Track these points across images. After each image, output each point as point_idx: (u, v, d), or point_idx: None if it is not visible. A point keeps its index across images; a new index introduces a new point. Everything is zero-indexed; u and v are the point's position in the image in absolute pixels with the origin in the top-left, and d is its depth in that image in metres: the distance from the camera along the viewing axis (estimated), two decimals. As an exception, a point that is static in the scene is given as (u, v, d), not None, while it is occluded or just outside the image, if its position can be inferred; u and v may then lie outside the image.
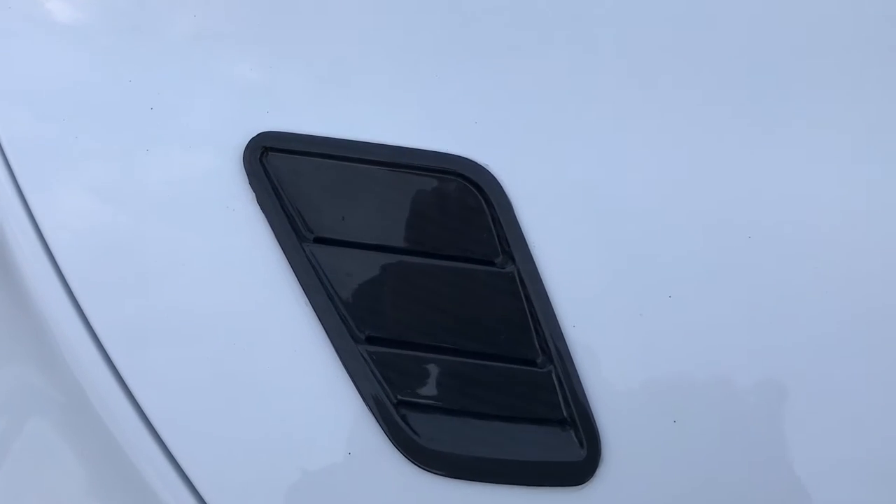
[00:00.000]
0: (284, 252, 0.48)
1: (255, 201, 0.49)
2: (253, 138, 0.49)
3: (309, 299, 0.47)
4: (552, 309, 0.45)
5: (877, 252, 0.47)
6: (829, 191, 0.48)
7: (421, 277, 0.47)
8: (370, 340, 0.46)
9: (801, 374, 0.46)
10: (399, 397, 0.45)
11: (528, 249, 0.46)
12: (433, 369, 0.46)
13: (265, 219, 0.49)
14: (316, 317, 0.47)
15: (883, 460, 0.45)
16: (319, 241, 0.48)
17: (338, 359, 0.46)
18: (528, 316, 0.45)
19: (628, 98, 0.48)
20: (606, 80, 0.49)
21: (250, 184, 0.49)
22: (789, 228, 0.47)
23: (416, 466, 0.44)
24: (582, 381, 0.44)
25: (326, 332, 0.47)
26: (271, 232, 0.48)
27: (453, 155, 0.47)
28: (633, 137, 0.47)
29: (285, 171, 0.49)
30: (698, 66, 0.49)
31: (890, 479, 0.45)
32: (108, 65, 0.52)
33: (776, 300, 0.47)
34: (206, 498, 0.44)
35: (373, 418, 0.45)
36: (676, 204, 0.47)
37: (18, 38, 0.53)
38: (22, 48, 0.53)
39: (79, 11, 0.55)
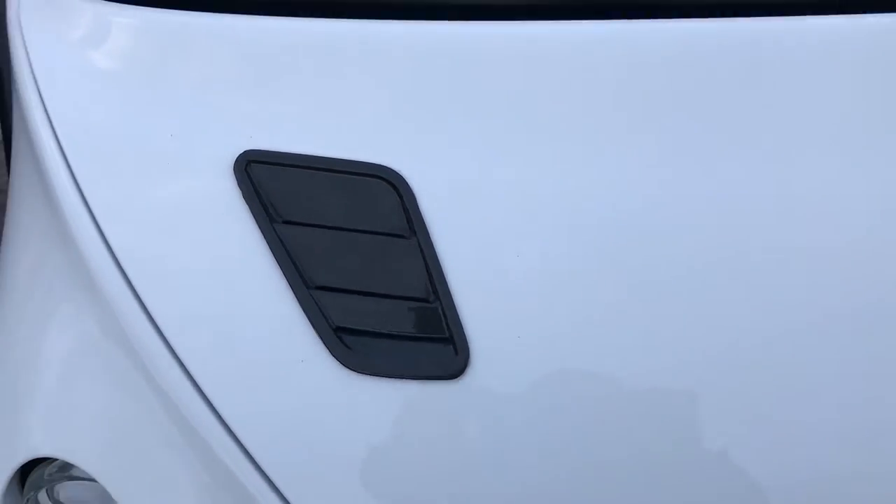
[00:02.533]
0: (261, 230, 0.69)
1: (242, 196, 0.70)
2: (241, 154, 0.71)
3: (277, 262, 0.68)
4: (440, 265, 0.66)
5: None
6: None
7: (355, 245, 0.68)
8: (319, 288, 0.67)
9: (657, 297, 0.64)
10: (337, 324, 0.65)
11: (426, 227, 0.67)
12: (361, 305, 0.66)
13: (248, 208, 0.69)
14: (282, 273, 0.68)
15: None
16: (286, 223, 0.69)
17: (296, 300, 0.66)
18: (425, 270, 0.66)
19: (496, 120, 0.69)
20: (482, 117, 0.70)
21: (238, 185, 0.70)
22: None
23: (347, 369, 0.65)
24: (458, 312, 0.65)
25: (289, 283, 0.67)
26: (252, 217, 0.69)
27: (378, 164, 0.69)
28: (495, 151, 0.68)
29: (263, 176, 0.70)
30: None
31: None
32: (140, 104, 0.73)
33: (627, 237, 0.65)
34: (199, 381, 0.63)
35: (319, 339, 0.65)
36: (535, 191, 0.67)
37: (79, 86, 0.75)
38: (81, 94, 0.74)
39: (121, 66, 0.76)
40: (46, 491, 0.76)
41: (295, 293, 0.67)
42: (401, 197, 0.68)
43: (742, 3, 0.72)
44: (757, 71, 0.69)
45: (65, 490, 0.75)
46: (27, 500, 0.76)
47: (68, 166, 0.72)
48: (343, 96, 0.71)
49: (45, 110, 0.73)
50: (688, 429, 0.66)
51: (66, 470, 0.74)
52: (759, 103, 0.69)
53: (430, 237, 0.67)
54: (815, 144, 0.69)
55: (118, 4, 0.78)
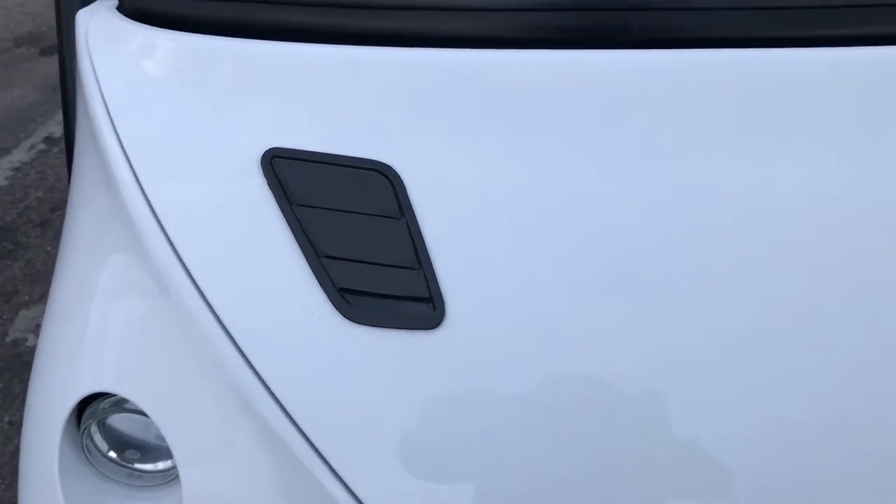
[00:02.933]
0: (282, 211, 0.85)
1: (267, 184, 0.87)
2: (266, 150, 0.87)
3: (294, 236, 0.84)
4: (423, 241, 0.81)
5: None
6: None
7: (356, 224, 0.84)
8: (327, 257, 0.83)
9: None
10: (340, 286, 0.81)
11: (413, 210, 0.83)
12: (360, 271, 0.82)
13: (272, 194, 0.86)
14: (297, 245, 0.84)
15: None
16: (301, 205, 0.85)
17: (308, 266, 0.82)
18: (411, 244, 0.81)
19: (470, 128, 0.85)
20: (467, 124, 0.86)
21: (264, 175, 0.86)
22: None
23: (348, 320, 0.80)
24: (437, 278, 0.81)
25: (303, 252, 0.83)
26: (275, 201, 0.85)
27: (375, 160, 0.85)
28: (471, 153, 0.84)
29: (283, 169, 0.86)
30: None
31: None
32: (185, 110, 0.90)
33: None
34: (230, 329, 0.79)
35: (326, 297, 0.81)
36: (502, 183, 0.83)
37: (135, 95, 0.91)
38: (137, 101, 0.90)
39: (168, 80, 0.92)
40: (98, 423, 0.91)
41: (307, 261, 0.83)
42: (393, 187, 0.84)
43: (701, 38, 0.85)
44: (722, 95, 0.83)
45: (116, 422, 0.90)
46: (84, 430, 0.90)
47: (126, 157, 0.88)
48: (347, 107, 0.87)
49: (109, 113, 0.89)
50: (621, 373, 0.80)
51: (118, 406, 0.89)
52: (725, 122, 0.83)
53: (416, 218, 0.83)
54: (775, 153, 0.83)
55: (166, 31, 0.95)
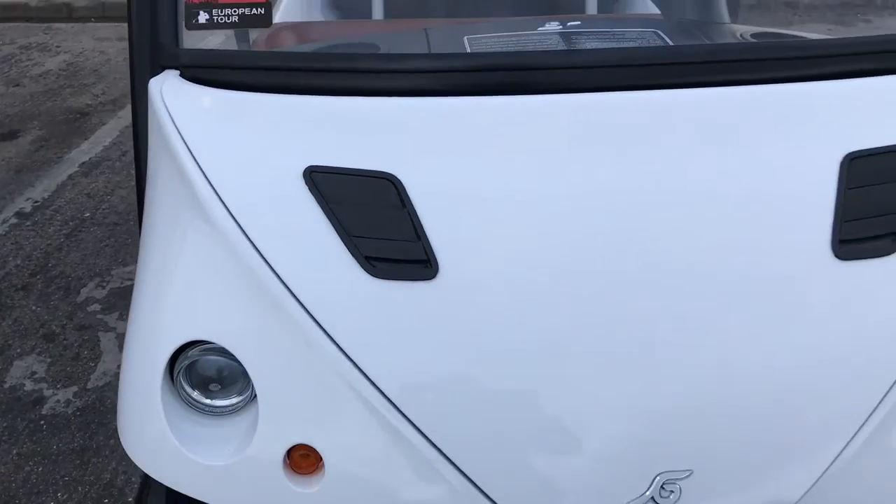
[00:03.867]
0: (321, 208, 1.17)
1: (308, 190, 1.21)
2: (307, 167, 1.22)
3: (332, 224, 1.17)
4: (421, 224, 1.15)
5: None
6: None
7: (373, 214, 1.14)
8: (355, 236, 1.14)
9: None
10: (366, 255, 1.16)
11: (413, 205, 1.17)
12: (378, 244, 1.16)
13: (312, 196, 1.20)
14: (334, 229, 1.18)
15: None
16: (335, 202, 1.16)
17: (343, 243, 1.15)
18: (412, 227, 1.16)
19: (457, 151, 1.22)
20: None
21: (306, 183, 1.21)
22: None
23: (372, 277, 1.13)
24: (432, 247, 1.15)
25: (338, 234, 1.14)
26: (315, 201, 1.19)
27: (385, 171, 1.20)
28: (456, 167, 1.21)
29: (319, 179, 1.20)
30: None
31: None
32: (247, 144, 1.24)
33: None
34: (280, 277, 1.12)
35: (356, 262, 1.15)
36: (479, 189, 1.18)
37: (207, 133, 1.26)
38: (209, 137, 1.25)
39: (232, 122, 1.27)
40: (188, 366, 1.21)
41: (342, 239, 1.16)
42: (397, 189, 1.19)
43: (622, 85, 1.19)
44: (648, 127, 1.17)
45: (204, 365, 1.17)
46: (178, 371, 1.20)
47: (203, 173, 1.21)
48: (359, 138, 1.22)
49: (186, 144, 1.22)
50: (576, 302, 1.11)
51: (202, 351, 1.20)
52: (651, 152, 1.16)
53: (414, 209, 1.18)
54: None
55: (220, 90, 1.30)
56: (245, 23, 1.31)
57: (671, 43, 1.47)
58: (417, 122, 1.21)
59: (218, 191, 1.17)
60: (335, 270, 1.13)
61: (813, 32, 1.67)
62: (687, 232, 1.13)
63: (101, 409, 2.46)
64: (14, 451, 2.32)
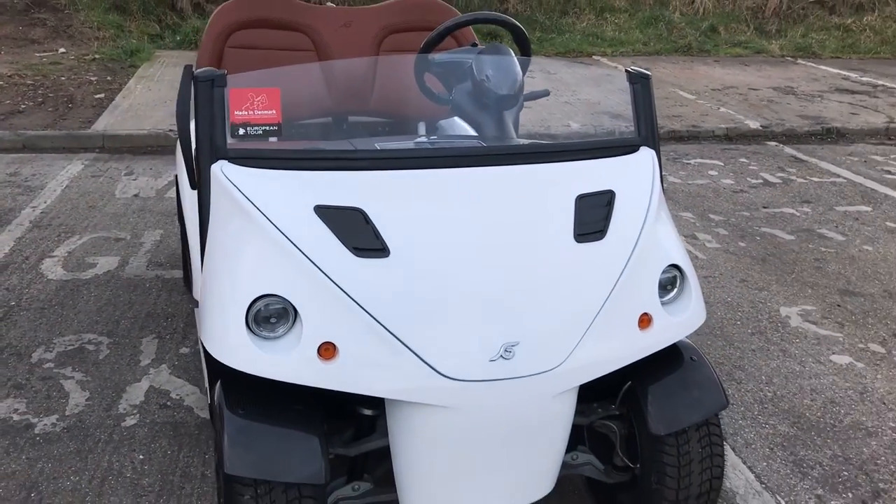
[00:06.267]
0: (324, 222, 2.21)
1: (318, 216, 2.28)
2: (315, 205, 2.24)
3: (333, 233, 2.26)
4: (381, 234, 2.22)
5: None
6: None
7: (352, 228, 2.25)
8: (345, 237, 2.26)
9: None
10: (353, 246, 2.23)
11: (375, 225, 2.26)
12: (358, 240, 2.22)
13: (321, 219, 2.26)
14: (335, 235, 2.26)
15: None
16: (332, 222, 2.28)
17: (337, 238, 2.25)
18: (374, 234, 2.25)
19: (406, 196, 2.37)
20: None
21: (316, 214, 2.27)
22: None
23: (356, 257, 2.13)
24: (388, 245, 2.24)
25: (337, 237, 2.27)
26: (321, 221, 2.26)
27: (356, 206, 2.27)
28: (406, 206, 2.35)
29: (322, 211, 2.24)
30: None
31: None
32: (272, 194, 2.33)
33: None
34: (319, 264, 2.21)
35: (346, 249, 2.24)
36: (421, 215, 2.35)
37: (253, 187, 2.32)
38: (261, 193, 2.32)
39: (266, 185, 2.35)
40: (256, 313, 2.18)
41: (339, 239, 2.19)
42: (364, 216, 2.29)
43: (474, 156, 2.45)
44: (484, 188, 2.36)
45: (264, 312, 2.18)
46: (251, 314, 2.17)
47: (257, 207, 2.26)
48: (342, 192, 2.34)
49: (246, 196, 2.26)
50: (476, 268, 2.18)
51: (264, 299, 2.19)
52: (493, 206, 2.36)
53: (375, 225, 2.26)
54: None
55: (257, 169, 2.36)
56: (266, 134, 2.43)
57: (486, 145, 2.74)
58: (374, 181, 2.36)
59: (265, 214, 2.24)
60: (336, 254, 2.20)
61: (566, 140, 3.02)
62: (504, 228, 2.35)
63: (83, 426, 3.26)
64: (23, 457, 3.06)
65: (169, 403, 3.38)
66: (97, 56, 10.41)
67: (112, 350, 3.77)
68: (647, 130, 2.59)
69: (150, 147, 7.21)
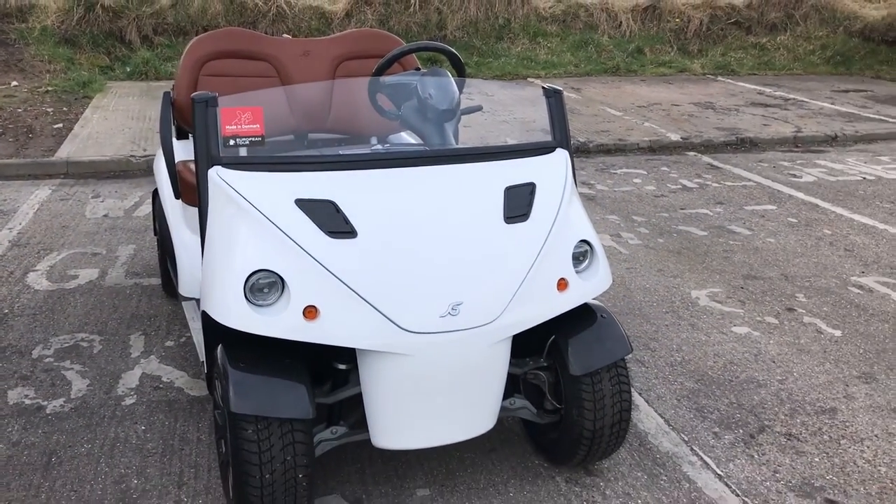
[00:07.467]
0: (303, 212, 2.78)
1: (298, 207, 2.84)
2: (296, 198, 2.84)
3: (311, 220, 2.80)
4: (350, 219, 2.77)
5: None
6: None
7: (326, 216, 2.82)
8: (322, 223, 2.81)
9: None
10: (329, 230, 2.79)
11: (345, 213, 2.82)
12: (333, 226, 2.79)
13: (300, 209, 2.82)
14: (313, 222, 2.82)
15: None
16: (311, 211, 2.80)
17: (315, 225, 2.80)
18: (344, 220, 2.78)
19: (372, 190, 2.93)
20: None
21: (297, 206, 2.84)
22: None
23: (331, 238, 2.70)
24: (355, 227, 2.79)
25: (314, 223, 2.82)
26: (301, 210, 2.79)
27: (329, 199, 2.84)
28: (372, 199, 2.91)
29: (301, 203, 2.81)
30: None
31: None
32: (261, 189, 2.88)
33: None
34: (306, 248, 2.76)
35: (323, 234, 2.79)
36: (385, 207, 2.91)
37: (246, 185, 2.87)
38: (254, 189, 2.86)
39: (258, 184, 2.91)
40: (252, 285, 2.70)
41: (316, 224, 2.70)
42: (336, 206, 2.82)
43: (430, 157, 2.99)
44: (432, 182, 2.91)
45: (258, 284, 2.70)
46: (248, 285, 2.69)
47: (250, 203, 2.79)
48: (319, 186, 2.88)
49: (239, 193, 2.80)
50: (427, 245, 2.72)
51: (258, 274, 2.71)
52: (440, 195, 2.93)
53: (344, 213, 2.75)
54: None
55: (250, 172, 2.89)
56: (252, 145, 2.99)
57: (430, 148, 3.33)
58: (342, 179, 2.90)
59: (256, 206, 2.79)
60: (315, 236, 2.72)
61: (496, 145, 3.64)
62: (448, 214, 2.92)
63: (88, 406, 3.73)
64: (39, 431, 3.52)
65: (161, 385, 3.86)
66: (50, 88, 10.76)
67: (104, 346, 4.23)
68: (561, 135, 3.21)
69: (112, 172, 7.63)
